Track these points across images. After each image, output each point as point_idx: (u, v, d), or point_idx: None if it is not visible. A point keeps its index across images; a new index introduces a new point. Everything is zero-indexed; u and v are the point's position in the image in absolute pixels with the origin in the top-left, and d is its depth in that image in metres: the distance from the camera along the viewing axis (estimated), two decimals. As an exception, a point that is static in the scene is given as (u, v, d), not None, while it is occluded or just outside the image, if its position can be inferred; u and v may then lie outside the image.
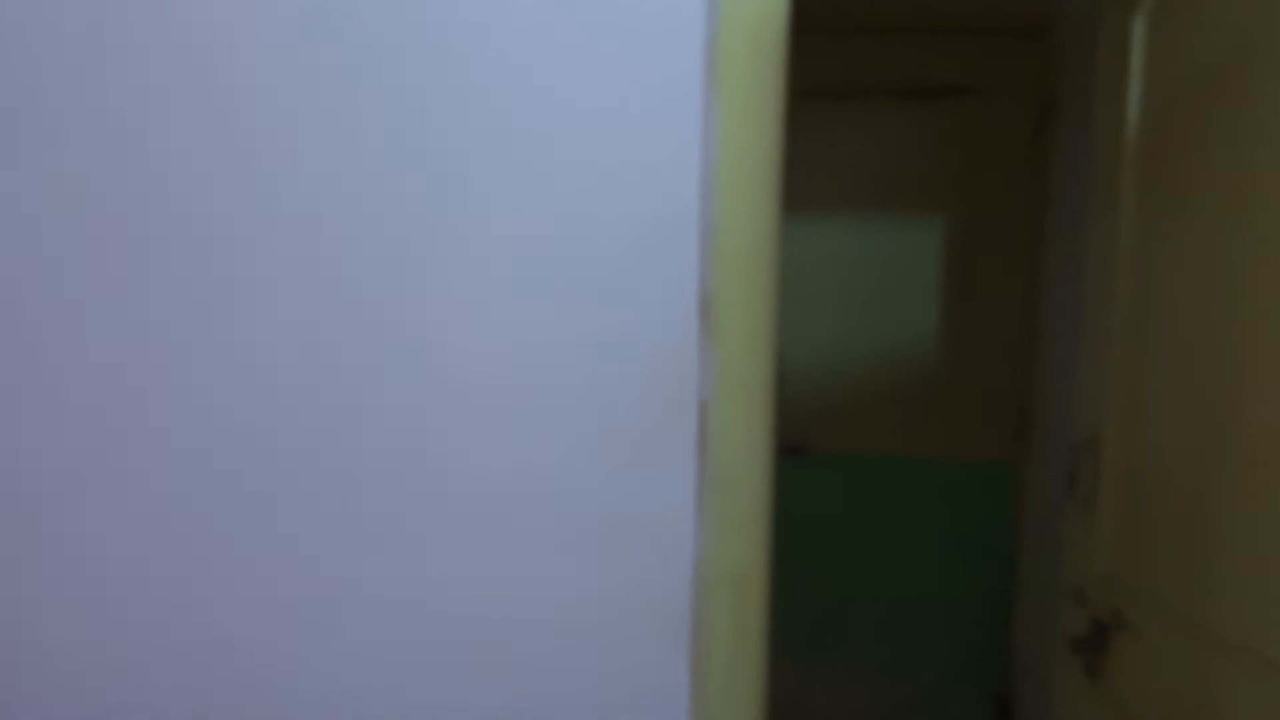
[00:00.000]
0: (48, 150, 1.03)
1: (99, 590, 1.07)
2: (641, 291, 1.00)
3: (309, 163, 1.02)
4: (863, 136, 2.59)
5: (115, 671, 1.08)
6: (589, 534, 1.03)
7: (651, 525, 1.02)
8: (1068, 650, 1.62)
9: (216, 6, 1.02)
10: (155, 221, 1.03)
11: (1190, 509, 1.33)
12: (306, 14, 1.01)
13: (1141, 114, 1.55)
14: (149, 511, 1.06)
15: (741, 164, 0.99)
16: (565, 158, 1.00)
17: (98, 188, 1.03)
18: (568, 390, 1.02)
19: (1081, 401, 1.64)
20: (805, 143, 2.60)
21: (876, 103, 2.57)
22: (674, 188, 0.99)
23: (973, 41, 2.53)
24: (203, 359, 1.04)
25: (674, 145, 0.99)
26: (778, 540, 2.69)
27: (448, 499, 1.04)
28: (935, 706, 2.68)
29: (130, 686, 1.08)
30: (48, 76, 1.03)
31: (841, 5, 2.53)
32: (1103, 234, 1.62)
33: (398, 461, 1.04)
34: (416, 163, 1.01)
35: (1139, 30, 1.57)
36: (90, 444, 1.06)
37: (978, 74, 2.53)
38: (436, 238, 1.02)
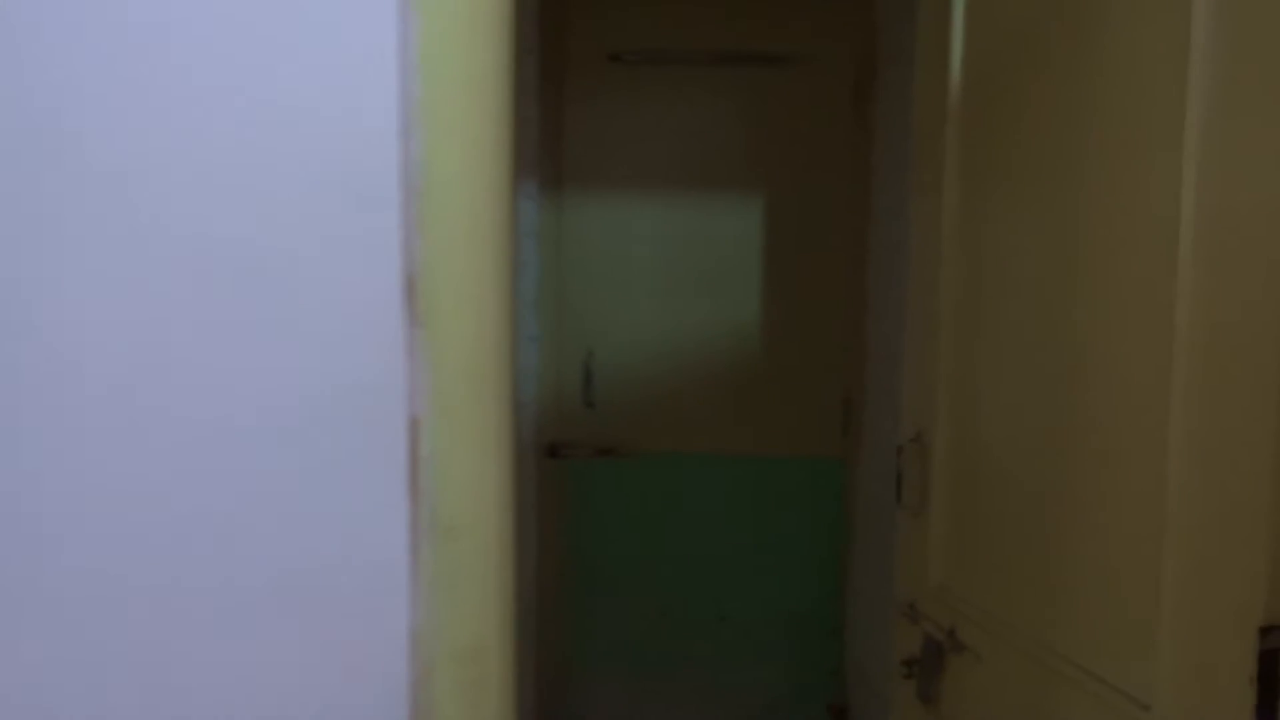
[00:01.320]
0: None
1: None
2: (322, 262, 0.73)
3: None
4: (676, 107, 2.38)
5: None
6: (268, 606, 0.75)
7: (351, 588, 0.75)
8: (900, 672, 1.46)
9: None
10: None
11: (1028, 515, 1.19)
12: None
13: (963, 81, 1.41)
14: None
15: (455, 98, 0.74)
16: (214, 80, 0.72)
17: None
18: (223, 401, 0.73)
19: (906, 395, 1.48)
20: (615, 112, 2.37)
21: (690, 70, 2.36)
22: (362, 121, 0.72)
23: (792, 5, 2.36)
24: None
25: (360, 64, 0.72)
26: (594, 553, 2.46)
27: (69, 562, 0.73)
28: None
29: None
30: None
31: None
32: (925, 210, 1.47)
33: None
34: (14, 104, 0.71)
35: (960, -14, 1.42)
36: None
37: (798, 40, 2.37)
38: (35, 204, 0.71)
